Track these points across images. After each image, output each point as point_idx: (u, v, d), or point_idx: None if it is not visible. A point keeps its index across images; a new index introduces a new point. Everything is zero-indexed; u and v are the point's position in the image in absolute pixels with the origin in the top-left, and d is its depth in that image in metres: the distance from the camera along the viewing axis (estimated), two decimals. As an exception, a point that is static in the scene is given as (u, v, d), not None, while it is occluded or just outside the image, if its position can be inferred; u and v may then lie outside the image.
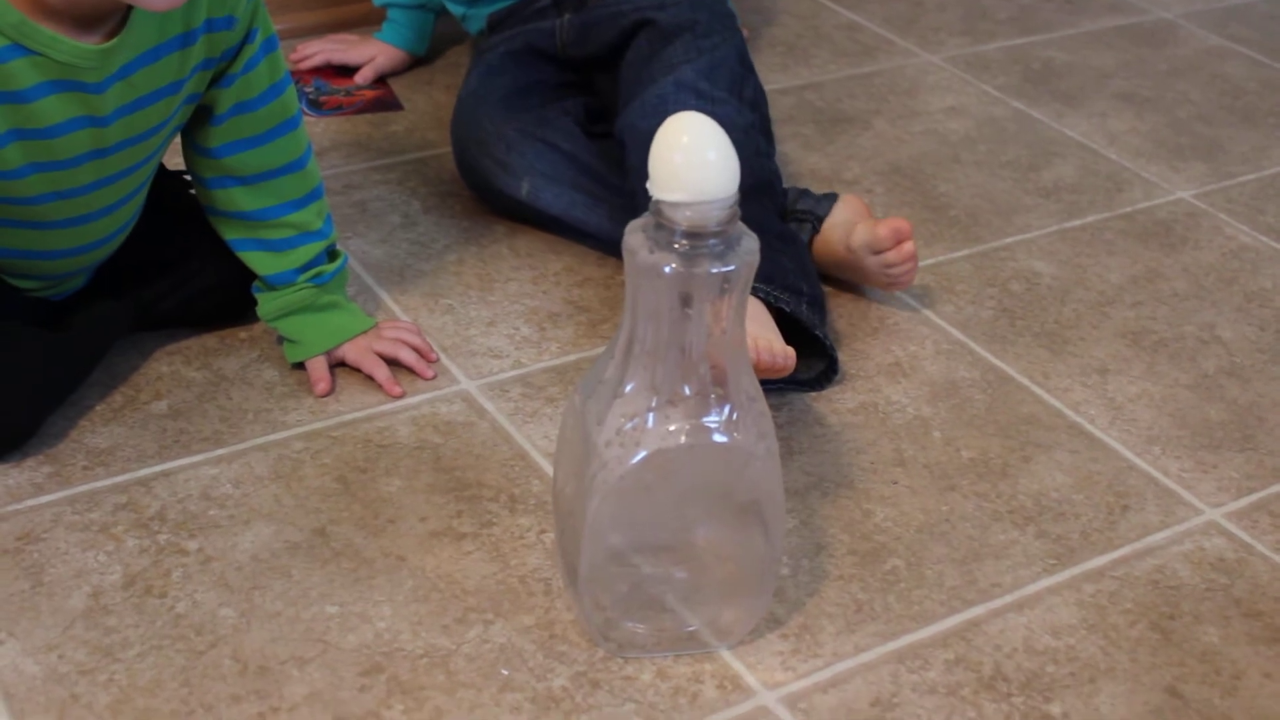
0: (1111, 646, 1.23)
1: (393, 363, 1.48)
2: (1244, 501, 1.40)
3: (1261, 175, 1.98)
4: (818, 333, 1.49)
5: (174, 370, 1.48)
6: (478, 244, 1.71)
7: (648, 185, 1.08)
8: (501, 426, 1.43)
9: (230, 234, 1.47)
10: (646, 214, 1.09)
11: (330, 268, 1.48)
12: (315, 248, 1.47)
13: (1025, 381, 1.54)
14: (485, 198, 1.76)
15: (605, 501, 1.13)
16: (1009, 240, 1.79)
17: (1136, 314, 1.66)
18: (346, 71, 2.05)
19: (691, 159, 1.07)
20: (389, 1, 2.05)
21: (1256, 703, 1.19)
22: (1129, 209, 1.88)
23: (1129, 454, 1.45)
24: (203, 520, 1.30)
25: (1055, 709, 1.17)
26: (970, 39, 2.31)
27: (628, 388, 1.12)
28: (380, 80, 2.04)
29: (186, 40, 1.32)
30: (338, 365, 1.48)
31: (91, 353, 1.43)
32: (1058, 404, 1.51)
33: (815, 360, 1.50)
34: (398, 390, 1.46)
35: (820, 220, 1.64)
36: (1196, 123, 2.11)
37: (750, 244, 1.10)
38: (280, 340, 1.49)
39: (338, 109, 1.97)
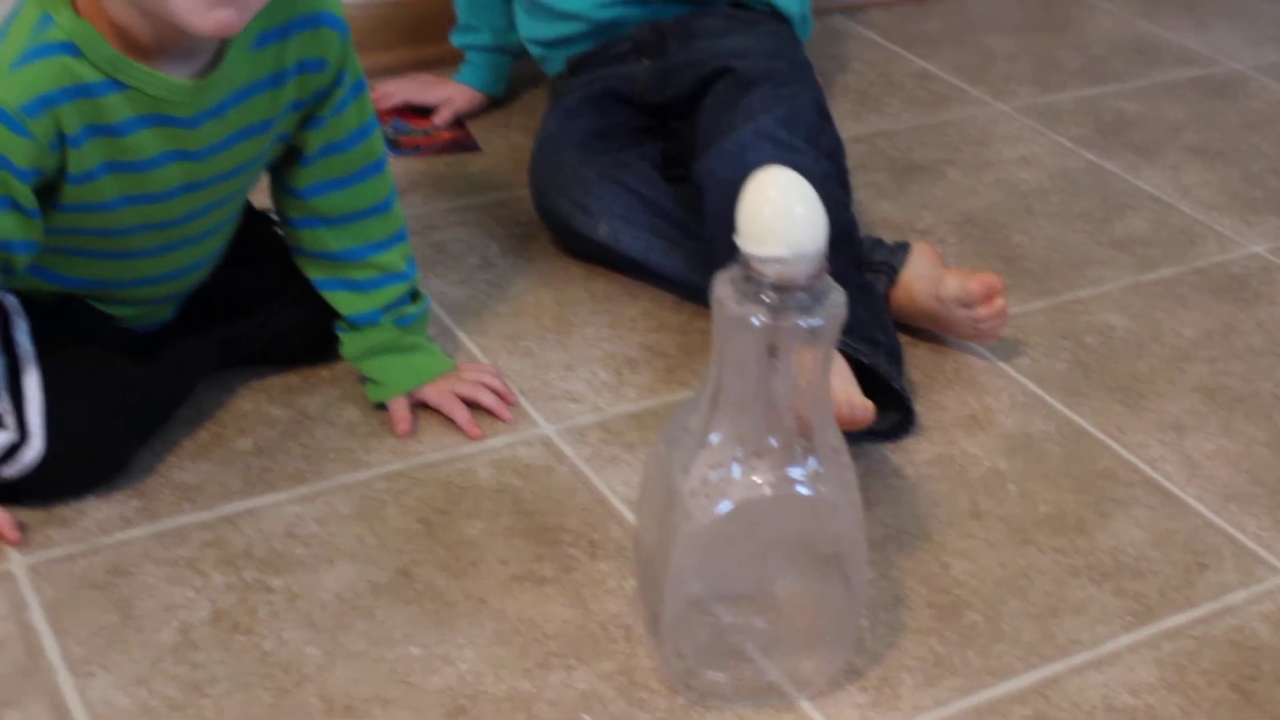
0: (1191, 706, 1.23)
1: (472, 405, 1.50)
2: (1322, 561, 1.40)
3: (1336, 231, 1.98)
4: (895, 385, 1.49)
5: (258, 408, 1.50)
6: (555, 287, 1.72)
7: (736, 238, 1.09)
8: (581, 471, 1.44)
9: (315, 274, 1.49)
10: (735, 265, 1.11)
11: (413, 309, 1.50)
12: (399, 289, 1.48)
13: (1101, 436, 1.54)
14: (563, 239, 1.78)
15: (688, 550, 1.14)
16: (1083, 293, 1.79)
17: (1212, 369, 1.66)
18: (424, 112, 2.07)
19: (780, 213, 1.08)
20: (467, 44, 2.08)
21: (1336, 766, 1.19)
22: (1203, 263, 1.88)
23: (1206, 511, 1.45)
24: (288, 558, 1.31)
25: (1134, 767, 1.17)
26: (1041, 89, 2.32)
27: (714, 438, 1.13)
28: (458, 121, 2.07)
29: (278, 80, 1.35)
30: (418, 406, 1.50)
31: (180, 388, 1.46)
32: (1134, 459, 1.51)
33: (891, 411, 1.51)
34: (477, 432, 1.48)
35: (896, 271, 1.65)
36: (1270, 176, 2.10)
37: (838, 298, 1.11)
38: (363, 380, 1.51)
39: (416, 149, 1.99)
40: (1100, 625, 1.30)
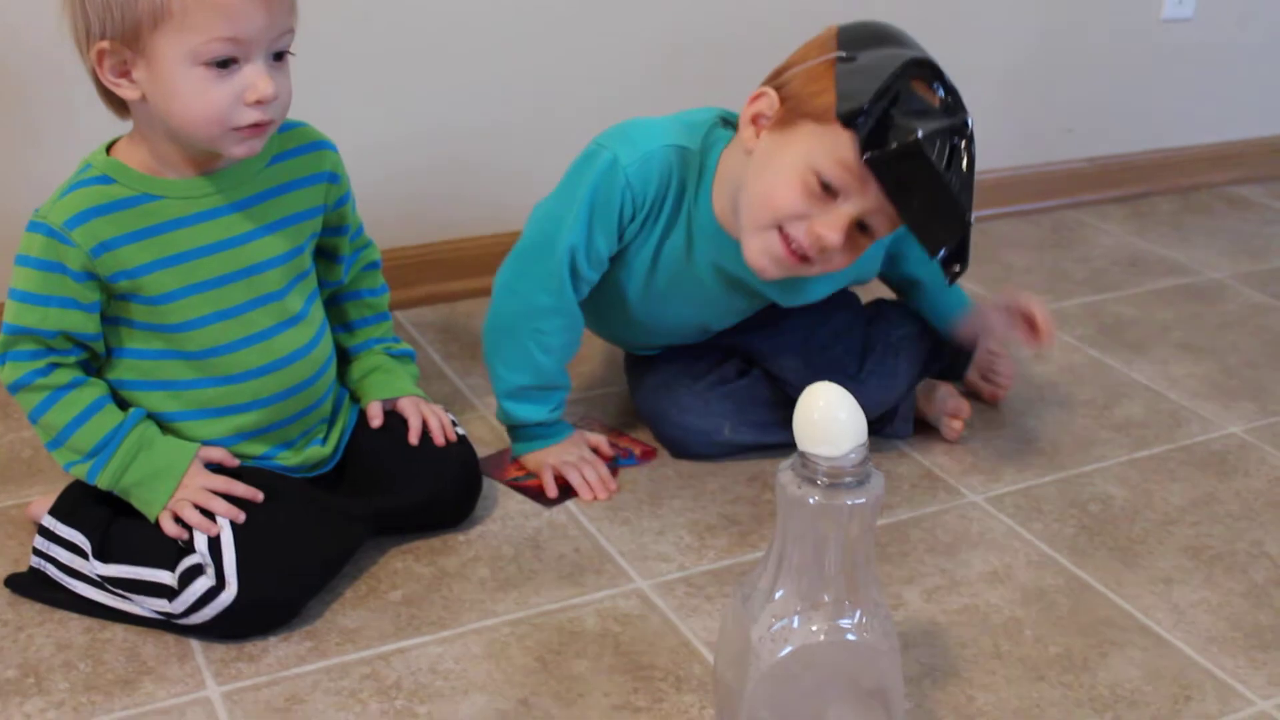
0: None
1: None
2: (1290, 696, 1.42)
3: (1301, 414, 2.01)
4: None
5: (406, 566, 1.57)
6: (649, 468, 1.79)
7: (796, 439, 1.16)
8: (669, 619, 1.49)
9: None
10: (795, 456, 1.17)
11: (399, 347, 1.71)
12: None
13: (1102, 589, 1.58)
14: (690, 449, 1.80)
15: (759, 686, 1.18)
16: (1087, 468, 1.83)
17: (1196, 532, 1.70)
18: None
19: (829, 419, 1.15)
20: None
21: None
22: (1188, 442, 1.91)
23: (1191, 651, 1.47)
24: (431, 690, 1.37)
25: None
26: (1053, 296, 2.38)
27: (778, 594, 1.19)
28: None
29: (291, 187, 1.50)
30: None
31: (345, 552, 1.52)
32: (1130, 608, 1.54)
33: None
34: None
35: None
36: (1245, 368, 2.14)
37: (878, 480, 1.17)
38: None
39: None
40: (1102, 750, 1.33)
